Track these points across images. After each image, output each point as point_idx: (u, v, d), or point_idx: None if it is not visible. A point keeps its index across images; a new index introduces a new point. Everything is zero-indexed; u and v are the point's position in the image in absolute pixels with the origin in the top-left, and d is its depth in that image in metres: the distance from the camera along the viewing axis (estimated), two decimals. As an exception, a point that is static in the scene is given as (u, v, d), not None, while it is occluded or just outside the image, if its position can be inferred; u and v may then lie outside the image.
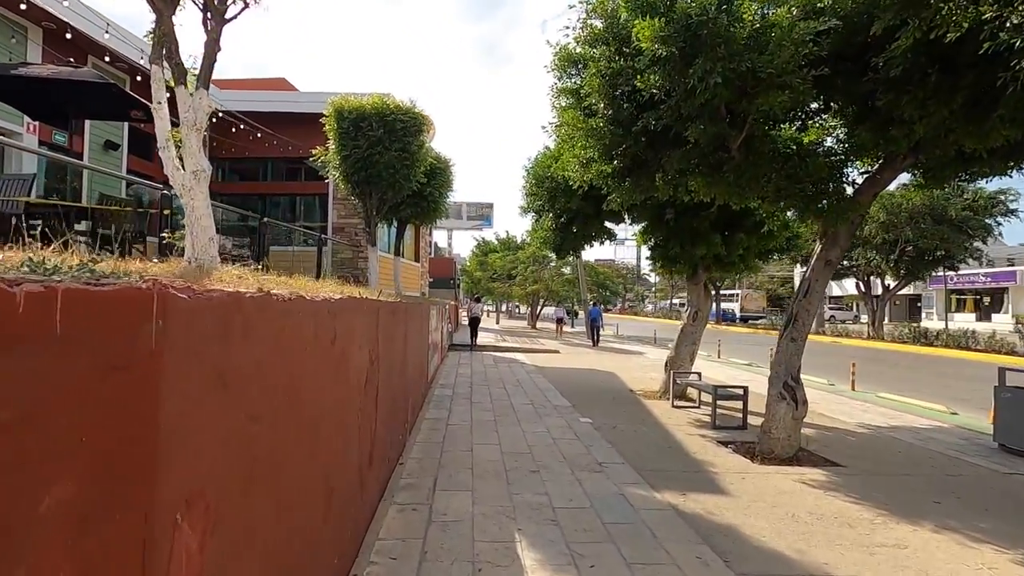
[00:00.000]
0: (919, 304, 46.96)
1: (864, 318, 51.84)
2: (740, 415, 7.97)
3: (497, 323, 36.38)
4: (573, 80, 7.22)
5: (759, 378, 12.72)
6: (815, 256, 6.79)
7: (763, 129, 6.07)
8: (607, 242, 10.99)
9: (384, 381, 4.62)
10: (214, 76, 3.53)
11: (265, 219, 9.71)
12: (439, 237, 66.53)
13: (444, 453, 5.95)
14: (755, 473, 5.67)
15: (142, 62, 11.22)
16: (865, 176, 6.54)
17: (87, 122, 11.05)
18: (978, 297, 42.18)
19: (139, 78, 11.60)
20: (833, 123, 6.56)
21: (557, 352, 18.34)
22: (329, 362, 2.81)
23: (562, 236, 10.09)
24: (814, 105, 6.38)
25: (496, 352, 17.81)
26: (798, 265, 34.17)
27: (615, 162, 7.08)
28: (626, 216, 10.37)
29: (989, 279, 39.51)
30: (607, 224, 10.72)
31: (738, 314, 46.71)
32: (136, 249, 6.41)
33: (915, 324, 28.23)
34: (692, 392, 9.92)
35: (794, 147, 6.37)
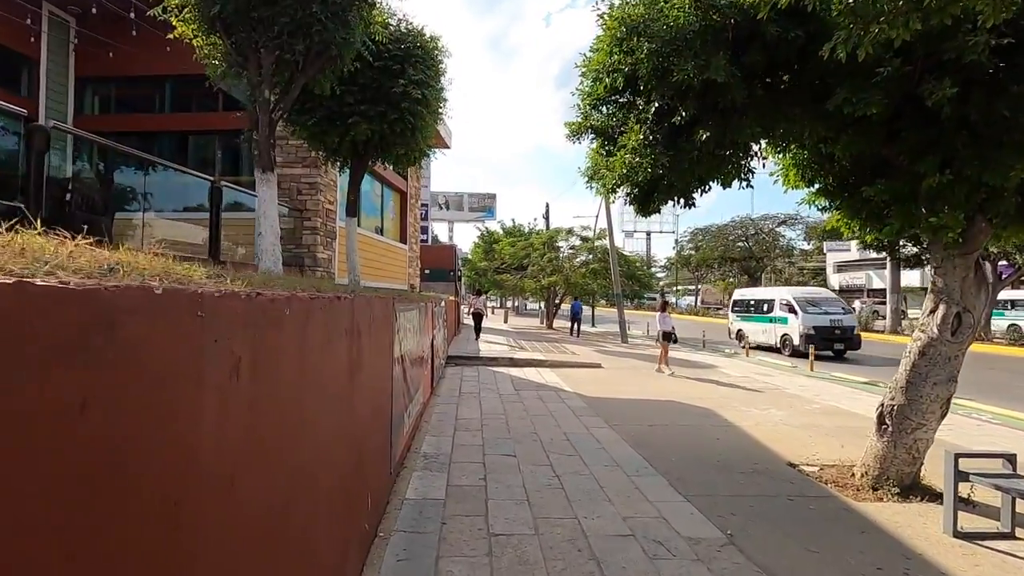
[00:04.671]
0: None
1: (913, 312, 46.42)
2: None
3: (506, 322, 31.13)
4: None
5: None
6: None
7: None
8: (740, 185, 5.72)
9: None
10: None
11: (52, 123, 4.56)
12: (440, 230, 61.51)
13: None
14: None
15: None
16: None
17: None
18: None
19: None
20: None
21: (599, 367, 13.12)
22: None
23: (669, 159, 4.85)
24: None
25: (514, 368, 12.60)
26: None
27: None
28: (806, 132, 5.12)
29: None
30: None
31: (697, 305, 51.63)
32: None
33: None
34: (964, 487, 4.78)
35: None
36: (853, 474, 5.25)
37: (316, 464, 2.34)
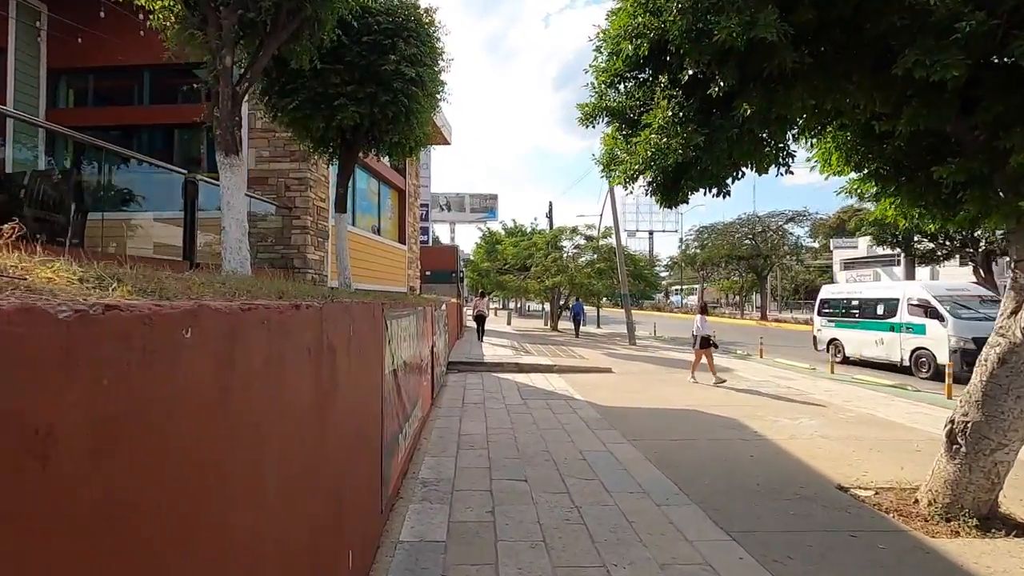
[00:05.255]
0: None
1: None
2: None
3: (509, 324, 30.41)
4: None
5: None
6: None
7: None
8: (778, 171, 5.03)
9: None
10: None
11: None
12: (441, 231, 60.97)
13: None
14: None
15: None
16: None
17: None
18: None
19: None
20: None
21: (610, 371, 12.43)
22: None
23: (704, 138, 4.15)
24: None
25: (520, 374, 11.91)
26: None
27: None
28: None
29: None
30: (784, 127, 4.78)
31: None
32: None
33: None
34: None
35: None
36: (916, 500, 4.56)
37: (253, 545, 1.66)
